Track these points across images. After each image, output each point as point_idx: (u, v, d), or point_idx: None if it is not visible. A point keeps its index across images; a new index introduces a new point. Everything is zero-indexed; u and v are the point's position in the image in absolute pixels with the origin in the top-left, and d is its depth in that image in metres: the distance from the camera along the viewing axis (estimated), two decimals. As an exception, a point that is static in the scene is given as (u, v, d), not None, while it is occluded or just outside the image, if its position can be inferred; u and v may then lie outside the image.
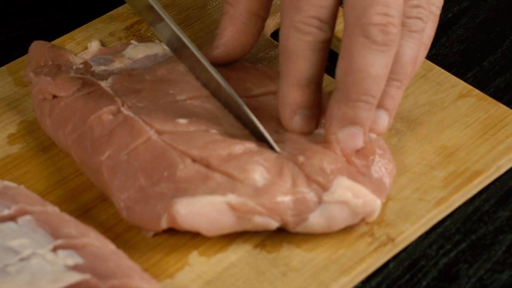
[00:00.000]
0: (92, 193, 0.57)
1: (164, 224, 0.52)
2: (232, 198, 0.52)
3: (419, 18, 0.55)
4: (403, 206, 0.56)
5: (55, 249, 0.49)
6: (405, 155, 0.59)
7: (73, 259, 0.48)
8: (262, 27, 0.60)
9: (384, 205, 0.56)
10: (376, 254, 0.54)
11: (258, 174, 0.53)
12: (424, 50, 0.59)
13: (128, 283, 0.47)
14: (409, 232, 0.55)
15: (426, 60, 0.66)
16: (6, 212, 0.51)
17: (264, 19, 0.59)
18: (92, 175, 0.56)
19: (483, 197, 0.58)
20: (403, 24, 0.54)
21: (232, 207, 0.52)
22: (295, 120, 0.56)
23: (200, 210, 0.52)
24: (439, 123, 0.62)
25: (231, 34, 0.59)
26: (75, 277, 0.47)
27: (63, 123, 0.58)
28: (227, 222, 0.52)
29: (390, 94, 0.56)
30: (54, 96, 0.60)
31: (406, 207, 0.56)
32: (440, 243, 0.56)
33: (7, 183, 0.54)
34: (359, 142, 0.55)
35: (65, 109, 0.59)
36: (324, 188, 0.53)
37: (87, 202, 0.57)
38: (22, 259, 0.48)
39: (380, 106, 0.56)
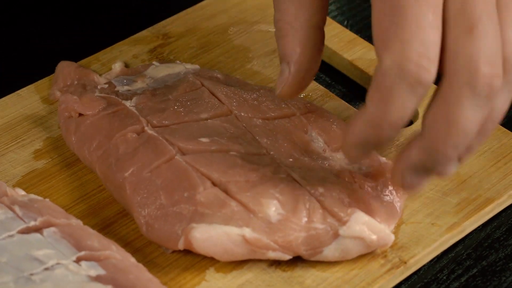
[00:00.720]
0: (114, 208, 0.59)
1: (181, 246, 0.54)
2: (247, 232, 0.53)
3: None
4: (415, 230, 0.58)
5: (78, 260, 0.50)
6: (418, 180, 0.61)
7: (96, 270, 0.50)
8: (323, 37, 0.54)
9: (397, 228, 0.58)
10: (388, 276, 0.55)
11: (273, 209, 0.54)
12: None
13: (148, 295, 0.49)
14: (421, 255, 0.56)
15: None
16: (32, 223, 0.52)
17: (323, 29, 0.54)
18: (115, 191, 0.58)
19: (495, 224, 0.59)
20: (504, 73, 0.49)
21: (247, 241, 0.53)
22: (356, 151, 0.51)
23: (216, 238, 0.53)
24: (453, 151, 0.63)
25: (303, 55, 0.53)
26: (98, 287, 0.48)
27: (88, 140, 0.60)
28: (241, 252, 0.54)
29: (472, 148, 0.51)
30: (80, 114, 0.62)
31: (418, 231, 0.58)
32: (451, 268, 0.57)
33: (33, 196, 0.56)
34: (423, 186, 0.53)
35: (90, 127, 0.61)
36: (341, 222, 0.54)
37: (108, 217, 0.59)
38: (46, 269, 0.50)
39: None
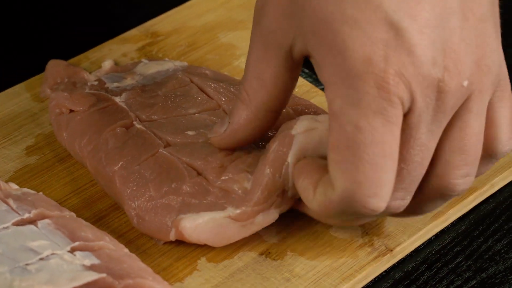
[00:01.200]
0: (106, 202, 0.60)
1: (172, 237, 0.56)
2: (231, 211, 0.55)
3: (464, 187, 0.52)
4: (401, 219, 0.59)
5: (72, 251, 0.51)
6: (403, 171, 0.62)
7: (90, 259, 0.51)
8: (276, 119, 0.55)
9: (383, 218, 0.59)
10: (375, 263, 0.56)
11: (246, 181, 0.56)
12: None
13: (142, 283, 0.50)
14: (407, 243, 0.58)
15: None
16: (26, 215, 0.53)
17: (279, 113, 0.55)
18: (106, 185, 0.59)
19: (496, 237, 0.60)
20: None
21: (234, 219, 0.55)
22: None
23: (205, 225, 0.55)
24: (436, 143, 0.65)
25: (243, 127, 0.55)
26: (92, 276, 0.49)
27: (79, 136, 0.61)
28: (232, 233, 0.55)
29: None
30: (71, 111, 0.63)
31: (404, 220, 0.59)
32: (450, 279, 0.58)
33: (26, 190, 0.57)
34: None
35: (81, 123, 0.62)
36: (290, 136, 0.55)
37: (101, 210, 0.60)
38: (41, 259, 0.51)
39: None
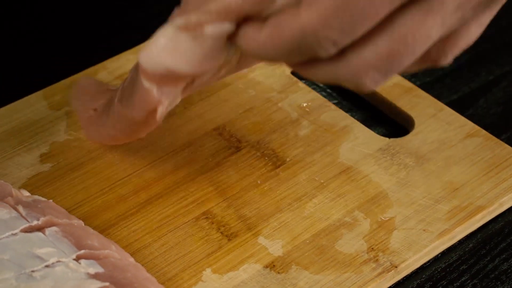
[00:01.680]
0: (115, 211, 0.61)
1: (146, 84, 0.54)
2: (178, 20, 0.51)
3: None
4: (407, 236, 0.59)
5: (78, 259, 0.52)
6: (411, 188, 0.63)
7: (94, 268, 0.52)
8: None
9: (389, 234, 0.59)
10: (379, 279, 0.57)
11: None
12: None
13: (144, 293, 0.51)
14: (412, 260, 0.58)
15: (436, 100, 0.70)
16: (35, 223, 0.54)
17: None
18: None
19: (504, 257, 0.60)
20: None
21: (184, 28, 0.51)
22: None
23: (159, 48, 0.52)
24: (447, 160, 0.65)
25: None
26: (96, 284, 0.50)
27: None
28: (186, 48, 0.51)
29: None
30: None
31: (410, 237, 0.59)
32: None
33: (37, 197, 0.58)
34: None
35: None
36: None
37: (109, 219, 0.60)
38: (47, 266, 0.51)
39: None
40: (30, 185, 0.63)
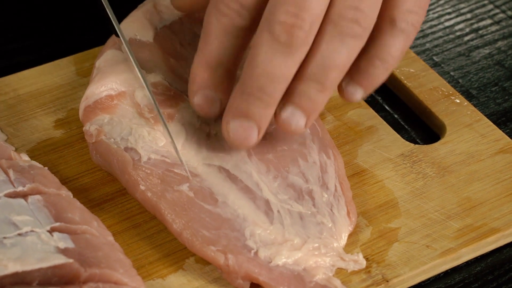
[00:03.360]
0: (115, 186, 0.60)
1: None
2: None
3: (355, 21, 0.52)
4: (407, 250, 0.56)
5: (52, 231, 0.51)
6: (425, 200, 0.59)
7: (66, 243, 0.51)
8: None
9: (389, 246, 0.56)
10: (367, 292, 0.54)
11: None
12: (384, 69, 0.55)
13: (109, 274, 0.50)
14: (406, 276, 0.55)
15: (476, 109, 0.65)
16: (20, 188, 0.54)
17: None
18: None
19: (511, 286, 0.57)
20: (334, 25, 0.52)
21: None
22: (196, 97, 0.55)
23: None
24: (471, 174, 0.61)
25: None
26: (60, 260, 0.49)
27: None
28: None
29: (308, 95, 0.53)
30: None
31: (410, 251, 0.56)
32: None
33: (34, 163, 0.57)
34: (252, 137, 0.54)
35: None
36: None
37: (108, 193, 0.59)
38: (19, 234, 0.51)
39: (294, 103, 0.54)
40: (38, 149, 0.62)
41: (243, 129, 0.53)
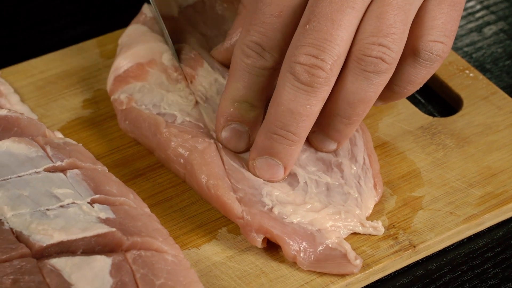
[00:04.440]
0: (146, 162, 0.62)
1: None
2: None
3: (379, 58, 0.53)
4: (432, 216, 0.58)
5: (92, 202, 0.53)
6: (446, 169, 0.61)
7: (106, 213, 0.53)
8: None
9: (414, 213, 0.58)
10: (395, 257, 0.55)
11: None
12: (403, 94, 0.57)
13: (150, 242, 0.51)
14: (432, 242, 0.57)
15: (491, 83, 0.67)
16: (58, 163, 0.55)
17: None
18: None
19: None
20: (358, 62, 0.53)
21: None
22: (224, 131, 0.58)
23: None
24: (489, 144, 0.63)
25: (238, 34, 0.60)
26: (103, 229, 0.51)
27: None
28: None
29: (337, 128, 0.56)
30: None
31: (435, 218, 0.58)
32: (473, 284, 0.56)
33: (68, 140, 0.59)
34: (277, 174, 0.56)
35: None
36: None
37: (139, 169, 0.61)
38: (61, 206, 0.53)
39: (324, 133, 0.57)
40: (69, 128, 0.64)
41: (269, 167, 0.56)
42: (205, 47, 0.65)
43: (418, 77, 0.56)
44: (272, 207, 0.55)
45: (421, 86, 0.57)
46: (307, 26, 0.52)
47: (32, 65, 0.69)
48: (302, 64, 0.52)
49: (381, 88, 0.54)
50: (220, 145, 0.58)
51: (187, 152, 0.58)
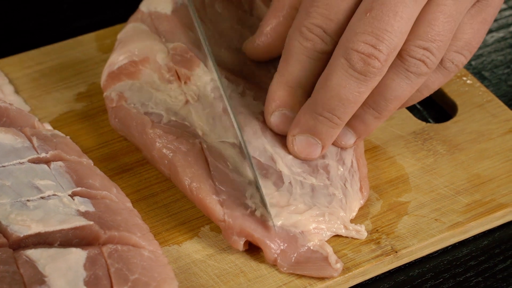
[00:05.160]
0: (134, 157, 0.62)
1: None
2: None
3: (422, 61, 0.54)
4: (416, 222, 0.57)
5: (73, 195, 0.53)
6: (435, 176, 0.60)
7: (86, 206, 0.53)
8: None
9: (399, 218, 0.58)
10: (376, 262, 0.55)
11: None
12: (418, 97, 0.58)
13: (127, 237, 0.51)
14: (415, 248, 0.56)
15: (487, 90, 0.67)
16: (43, 155, 0.56)
17: None
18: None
19: None
20: (402, 61, 0.54)
21: None
22: (274, 116, 0.58)
23: None
24: (481, 152, 0.62)
25: (273, 26, 0.60)
26: (80, 222, 0.51)
27: None
28: None
29: (364, 119, 0.56)
30: None
31: (419, 224, 0.57)
32: None
33: (57, 132, 0.59)
34: (315, 153, 0.57)
35: None
36: None
37: (127, 164, 0.61)
38: (42, 198, 0.53)
39: (350, 126, 0.57)
40: (61, 120, 0.64)
41: (308, 145, 0.56)
42: (200, 47, 0.65)
43: (435, 84, 0.58)
44: (255, 209, 0.55)
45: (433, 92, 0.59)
46: (368, 14, 0.52)
47: (29, 57, 0.69)
48: (359, 52, 0.52)
49: (415, 89, 0.55)
50: (205, 145, 0.58)
51: (171, 154, 0.57)
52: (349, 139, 0.58)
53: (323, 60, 0.55)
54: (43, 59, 0.69)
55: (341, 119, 0.55)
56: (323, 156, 0.58)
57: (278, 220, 0.54)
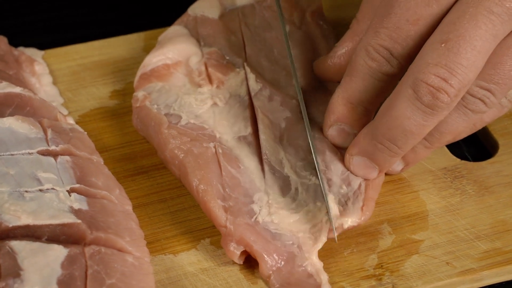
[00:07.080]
0: (152, 160, 0.61)
1: None
2: None
3: (482, 100, 0.52)
4: (426, 263, 0.54)
5: (70, 191, 0.53)
6: (457, 216, 0.57)
7: (80, 204, 0.52)
8: None
9: (408, 256, 0.55)
10: (373, 299, 0.52)
11: None
12: (470, 130, 0.56)
13: (114, 240, 0.51)
14: (418, 290, 0.53)
15: (533, 132, 0.63)
16: (53, 147, 0.56)
17: None
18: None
19: None
20: (462, 98, 0.52)
21: None
22: (332, 129, 0.57)
23: None
24: (512, 198, 0.58)
25: (348, 49, 0.59)
26: (69, 219, 0.51)
27: None
28: None
29: (415, 148, 0.55)
30: None
31: (428, 266, 0.54)
32: None
33: (76, 127, 0.59)
34: (371, 175, 0.55)
35: None
36: None
37: (143, 166, 0.61)
38: (40, 190, 0.53)
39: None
40: (90, 116, 0.64)
41: (365, 167, 0.55)
42: (239, 53, 0.64)
43: (489, 117, 0.57)
44: (257, 215, 0.54)
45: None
46: (444, 45, 0.50)
47: (76, 50, 0.70)
48: (429, 85, 0.50)
49: (471, 124, 0.54)
50: (220, 150, 0.57)
51: (182, 155, 0.57)
52: (397, 165, 0.57)
53: (387, 82, 0.54)
54: (88, 53, 0.69)
55: (401, 149, 0.53)
56: (326, 166, 0.56)
57: (277, 228, 0.54)
